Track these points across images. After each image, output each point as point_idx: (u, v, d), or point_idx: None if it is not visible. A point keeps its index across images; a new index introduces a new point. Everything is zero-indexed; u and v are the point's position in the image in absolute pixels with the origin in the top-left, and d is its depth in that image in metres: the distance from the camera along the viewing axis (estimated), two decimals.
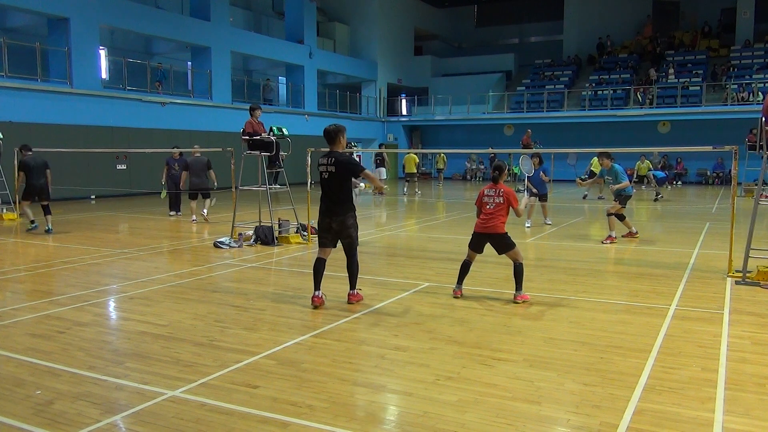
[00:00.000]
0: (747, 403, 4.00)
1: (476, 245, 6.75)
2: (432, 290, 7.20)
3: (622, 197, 11.10)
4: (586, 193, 20.84)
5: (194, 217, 14.02)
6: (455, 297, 6.77)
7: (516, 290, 6.61)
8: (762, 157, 7.64)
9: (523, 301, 6.54)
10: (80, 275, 8.12)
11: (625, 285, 7.60)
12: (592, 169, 20.54)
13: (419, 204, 20.34)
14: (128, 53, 23.79)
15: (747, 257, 7.54)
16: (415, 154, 25.64)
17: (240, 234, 10.60)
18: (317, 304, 6.32)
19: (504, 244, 6.60)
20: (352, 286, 6.43)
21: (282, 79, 31.08)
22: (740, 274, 7.56)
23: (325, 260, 6.42)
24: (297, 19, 30.54)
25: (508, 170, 7.24)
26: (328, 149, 6.35)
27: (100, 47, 21.47)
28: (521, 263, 6.61)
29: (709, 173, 30.02)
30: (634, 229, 11.46)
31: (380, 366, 4.69)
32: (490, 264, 9.22)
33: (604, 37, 36.59)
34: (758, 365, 4.71)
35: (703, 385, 4.28)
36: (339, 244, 6.43)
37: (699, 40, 34.72)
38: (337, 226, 6.21)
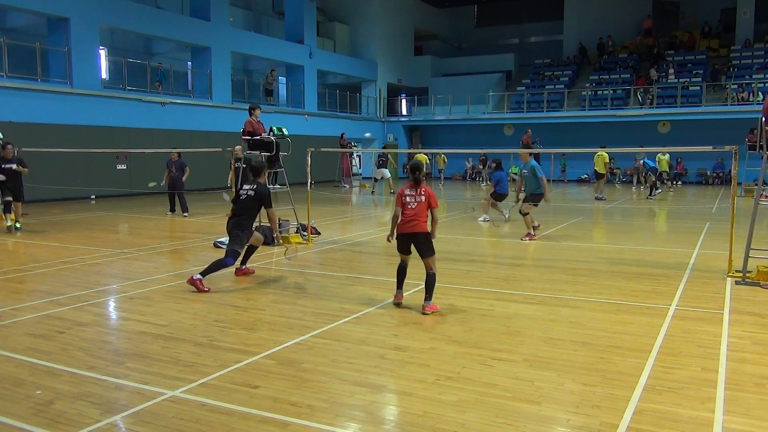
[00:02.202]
0: (747, 403, 4.00)
1: (404, 247, 6.43)
2: None
3: (536, 197, 11.19)
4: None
5: None
6: (396, 304, 6.42)
7: (426, 300, 6.23)
8: (762, 157, 7.64)
9: (432, 312, 6.15)
10: (80, 275, 8.12)
11: (625, 285, 7.60)
12: (596, 168, 20.47)
13: None
14: (128, 53, 23.76)
15: (747, 257, 7.54)
16: (420, 154, 25.69)
17: None
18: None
19: (427, 246, 6.29)
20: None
21: (282, 79, 31.08)
22: (740, 274, 7.56)
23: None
24: (297, 19, 30.53)
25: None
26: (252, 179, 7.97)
27: (100, 47, 21.45)
28: (434, 273, 6.29)
29: (709, 173, 30.01)
30: (533, 231, 11.25)
31: (380, 366, 4.69)
32: (490, 264, 9.23)
33: (604, 37, 36.59)
34: (758, 365, 4.71)
35: (703, 385, 4.28)
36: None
37: (699, 40, 34.72)
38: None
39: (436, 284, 6.28)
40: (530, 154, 11.71)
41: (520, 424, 3.67)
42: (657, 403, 3.97)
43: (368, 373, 4.53)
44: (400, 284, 6.52)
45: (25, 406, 3.92)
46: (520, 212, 11.51)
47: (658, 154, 22.66)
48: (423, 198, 6.36)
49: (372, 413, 3.90)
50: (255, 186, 7.74)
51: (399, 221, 6.37)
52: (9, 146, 11.99)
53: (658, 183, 22.23)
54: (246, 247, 7.88)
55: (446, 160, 30.86)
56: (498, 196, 13.71)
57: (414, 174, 6.48)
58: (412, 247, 6.38)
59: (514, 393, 4.14)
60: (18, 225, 11.95)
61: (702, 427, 3.65)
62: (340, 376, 4.47)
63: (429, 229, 6.38)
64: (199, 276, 7.14)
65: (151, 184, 15.30)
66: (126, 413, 3.83)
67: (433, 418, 3.75)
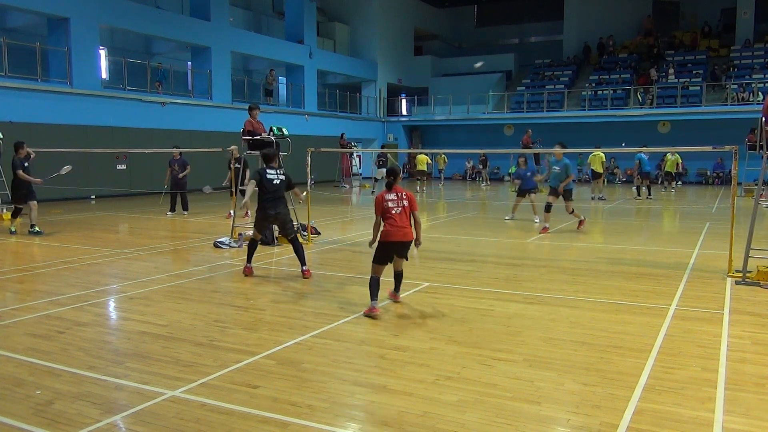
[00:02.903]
0: (747, 403, 4.00)
1: (386, 257, 6.21)
2: (432, 290, 7.21)
3: (569, 192, 12.13)
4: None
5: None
6: (374, 316, 6.03)
7: (396, 291, 6.65)
8: (762, 157, 7.64)
9: (395, 300, 6.60)
10: (80, 275, 8.12)
11: (625, 285, 7.60)
12: (592, 168, 20.47)
13: (421, 204, 20.34)
14: (128, 53, 23.76)
15: (747, 257, 7.55)
16: (422, 155, 25.75)
17: (240, 234, 10.59)
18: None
19: (407, 252, 6.29)
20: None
21: (282, 79, 31.08)
22: (740, 274, 7.56)
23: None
24: (297, 19, 30.53)
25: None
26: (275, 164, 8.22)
27: (100, 47, 21.45)
28: (402, 271, 6.55)
29: (709, 173, 29.99)
30: (547, 224, 12.33)
31: (380, 366, 4.69)
32: (490, 264, 9.23)
33: (604, 37, 36.60)
34: (758, 365, 4.71)
35: (703, 385, 4.28)
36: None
37: (699, 40, 34.72)
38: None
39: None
40: (563, 153, 12.30)
41: (520, 424, 3.67)
42: (657, 403, 3.97)
43: (368, 373, 4.53)
44: (375, 294, 6.16)
45: (25, 406, 3.92)
46: (567, 210, 12.35)
47: (667, 154, 22.61)
48: (405, 202, 6.20)
49: (372, 413, 3.89)
50: (281, 171, 8.11)
51: (383, 227, 6.15)
52: (24, 145, 11.98)
53: (665, 185, 22.23)
54: (249, 243, 8.33)
55: (446, 160, 30.87)
56: (526, 191, 14.26)
57: (389, 178, 6.32)
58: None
59: (514, 393, 4.14)
60: (38, 229, 11.67)
61: (702, 427, 3.65)
62: (340, 376, 4.47)
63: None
64: (306, 267, 7.92)
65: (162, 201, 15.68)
66: (126, 413, 3.83)
67: (433, 418, 3.75)
